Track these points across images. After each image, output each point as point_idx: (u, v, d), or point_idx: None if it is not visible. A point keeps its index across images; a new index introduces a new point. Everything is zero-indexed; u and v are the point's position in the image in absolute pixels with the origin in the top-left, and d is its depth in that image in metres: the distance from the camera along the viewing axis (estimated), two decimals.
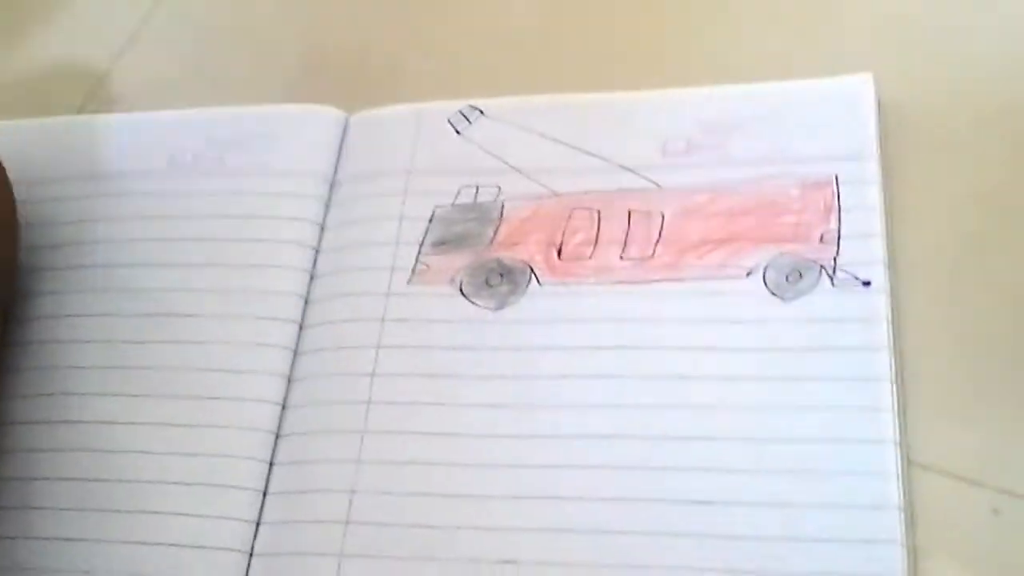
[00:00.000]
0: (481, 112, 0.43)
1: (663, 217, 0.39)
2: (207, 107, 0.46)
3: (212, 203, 0.43)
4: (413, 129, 0.43)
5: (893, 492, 0.32)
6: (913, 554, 0.32)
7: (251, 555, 0.36)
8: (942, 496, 0.33)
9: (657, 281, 0.37)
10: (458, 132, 0.43)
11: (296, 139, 0.44)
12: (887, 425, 0.33)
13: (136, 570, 0.36)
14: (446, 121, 0.43)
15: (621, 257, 0.38)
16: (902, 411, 0.34)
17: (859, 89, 0.39)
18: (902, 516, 0.32)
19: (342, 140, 0.44)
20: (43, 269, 0.42)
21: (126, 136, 0.46)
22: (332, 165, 0.43)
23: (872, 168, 0.38)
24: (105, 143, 0.45)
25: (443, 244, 0.40)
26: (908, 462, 0.33)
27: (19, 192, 0.42)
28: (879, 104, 0.39)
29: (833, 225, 0.37)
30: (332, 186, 0.43)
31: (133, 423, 0.38)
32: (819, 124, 0.39)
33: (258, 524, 0.36)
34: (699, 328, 0.36)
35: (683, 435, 0.35)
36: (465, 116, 0.43)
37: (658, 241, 0.38)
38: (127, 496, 0.37)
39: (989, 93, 0.39)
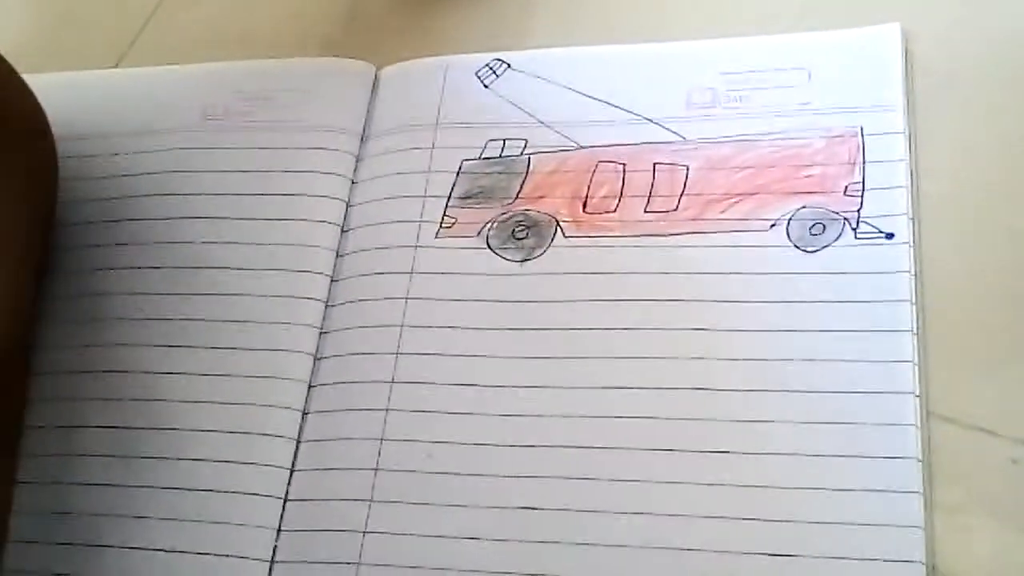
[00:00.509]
0: (508, 65, 0.43)
1: (687, 170, 0.39)
2: (238, 61, 0.47)
3: (245, 157, 0.43)
4: (440, 82, 0.43)
5: (912, 443, 0.33)
6: (931, 504, 0.32)
7: (286, 500, 0.37)
8: (961, 447, 0.33)
9: (681, 234, 0.38)
10: (485, 86, 0.43)
11: (327, 93, 0.44)
12: (908, 377, 0.34)
13: (175, 514, 0.37)
14: (473, 74, 0.43)
15: (646, 210, 0.39)
16: (923, 363, 0.34)
17: (886, 40, 0.39)
18: (921, 467, 0.32)
19: (372, 94, 0.45)
20: (82, 223, 0.44)
21: (159, 90, 0.46)
22: (362, 119, 0.44)
23: (898, 120, 0.37)
24: (138, 97, 0.46)
25: (470, 197, 0.41)
26: (928, 413, 0.34)
27: (59, 147, 0.43)
28: (906, 55, 0.39)
29: (857, 178, 0.37)
30: (363, 140, 0.44)
31: (171, 372, 0.40)
32: (845, 76, 0.39)
33: (292, 471, 0.38)
34: (723, 280, 0.37)
35: (707, 386, 0.35)
36: (492, 69, 0.43)
37: (682, 194, 0.39)
38: (167, 443, 0.38)
39: (1017, 45, 0.39)
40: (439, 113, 0.43)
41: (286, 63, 0.46)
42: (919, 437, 0.33)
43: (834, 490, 0.33)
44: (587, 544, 0.34)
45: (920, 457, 0.33)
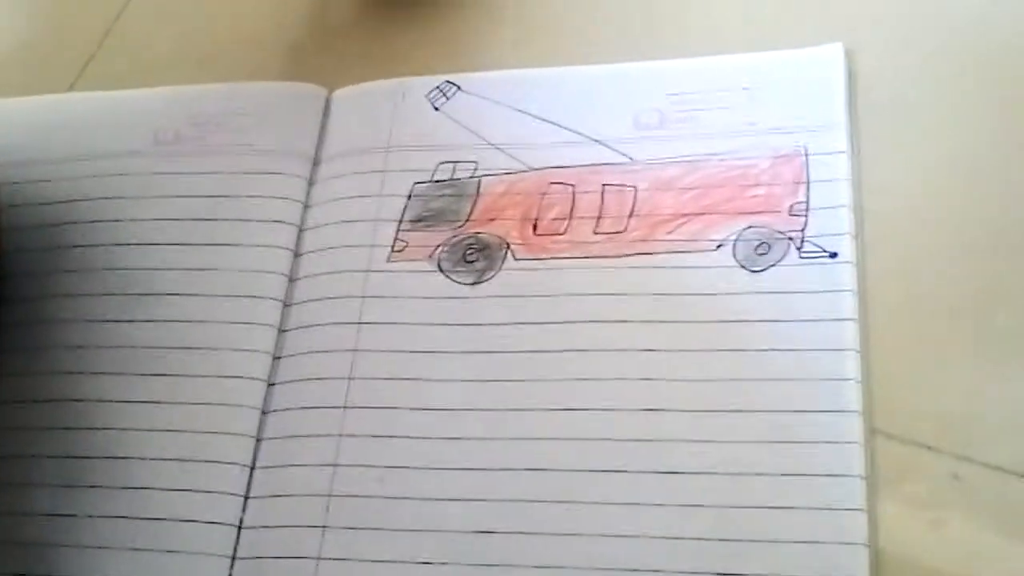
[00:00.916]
0: (458, 87, 0.43)
1: (636, 191, 0.39)
2: (190, 85, 0.47)
3: (196, 183, 0.43)
4: (391, 105, 0.44)
5: (856, 460, 0.33)
6: (875, 521, 0.33)
7: (240, 527, 0.37)
8: (904, 463, 0.34)
9: (630, 255, 0.38)
10: (436, 108, 0.43)
11: (278, 117, 0.45)
12: (851, 395, 0.34)
13: (127, 544, 0.37)
14: (423, 97, 0.43)
15: (595, 232, 0.39)
16: (866, 380, 0.35)
17: (829, 59, 0.40)
18: (865, 484, 0.33)
19: (324, 117, 0.45)
20: (31, 250, 0.43)
21: (110, 114, 0.46)
22: (314, 143, 0.44)
23: (841, 139, 0.38)
24: (89, 122, 0.46)
25: (421, 221, 0.41)
26: (871, 430, 0.34)
27: (5, 173, 0.43)
28: (849, 74, 0.39)
29: (802, 197, 0.37)
30: (315, 164, 0.44)
31: (122, 401, 0.40)
32: (789, 95, 0.39)
33: (246, 498, 0.38)
34: (670, 301, 0.37)
35: (654, 407, 0.35)
36: (443, 92, 0.43)
37: (631, 215, 0.39)
38: (117, 473, 0.38)
39: (959, 63, 0.39)
40: (390, 136, 0.43)
41: (237, 87, 0.46)
42: (863, 454, 0.33)
43: (779, 508, 0.33)
44: (540, 567, 0.34)
45: (864, 474, 0.33)
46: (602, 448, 0.35)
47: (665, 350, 0.36)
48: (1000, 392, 0.34)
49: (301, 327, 0.40)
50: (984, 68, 0.39)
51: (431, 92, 0.43)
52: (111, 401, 0.40)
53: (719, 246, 0.37)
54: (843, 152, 0.38)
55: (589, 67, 0.42)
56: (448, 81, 0.43)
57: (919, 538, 0.33)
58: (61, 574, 0.37)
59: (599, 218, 0.39)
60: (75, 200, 0.44)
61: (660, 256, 0.38)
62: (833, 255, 0.36)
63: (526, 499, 0.35)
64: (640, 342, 0.37)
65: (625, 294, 0.38)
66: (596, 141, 0.41)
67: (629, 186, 0.40)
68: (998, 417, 0.34)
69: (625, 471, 0.35)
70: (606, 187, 0.40)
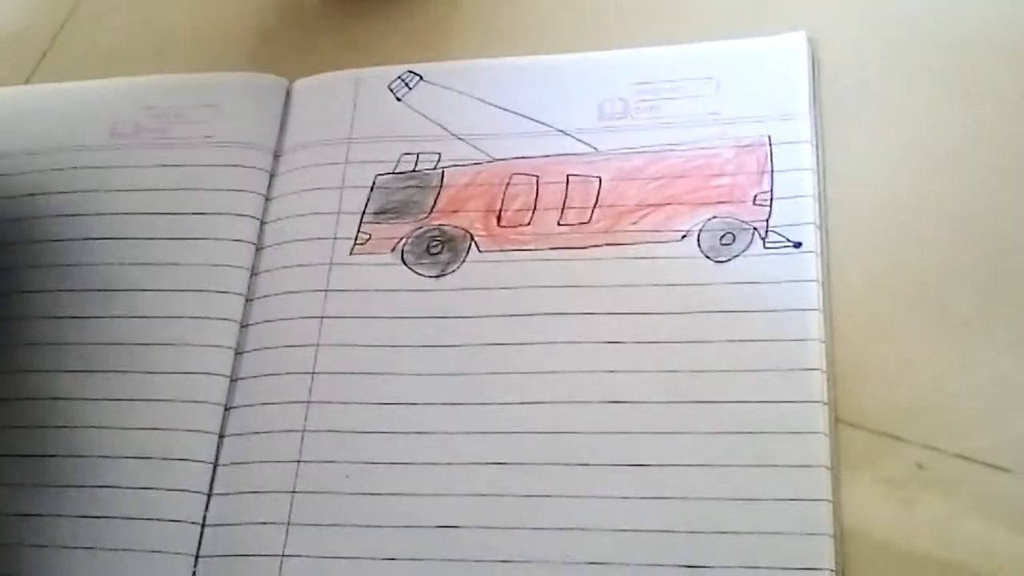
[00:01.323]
0: (420, 77, 0.43)
1: (600, 181, 0.39)
2: (148, 76, 0.46)
3: (155, 175, 0.43)
4: (353, 96, 0.43)
5: (821, 451, 0.33)
6: (840, 511, 0.33)
7: (203, 526, 0.37)
8: (868, 452, 0.34)
9: (594, 247, 0.38)
10: (398, 99, 0.43)
11: (239, 109, 0.44)
12: (816, 385, 0.34)
13: (90, 543, 0.37)
14: (386, 87, 0.43)
15: (559, 223, 0.39)
16: (831, 370, 0.35)
17: (792, 48, 0.39)
18: (830, 474, 0.33)
19: (285, 108, 0.44)
20: None
21: (66, 107, 0.46)
22: (275, 135, 0.43)
23: (805, 129, 0.38)
24: (45, 115, 0.45)
25: (384, 213, 0.40)
26: (836, 420, 0.34)
27: None
28: (813, 63, 0.39)
29: (766, 187, 0.37)
30: (276, 156, 0.43)
31: (84, 398, 0.39)
32: (753, 84, 0.39)
33: (209, 496, 0.37)
34: (635, 292, 0.37)
35: (619, 399, 0.35)
36: (405, 82, 0.43)
37: (595, 206, 0.39)
38: (80, 470, 0.38)
39: (923, 52, 0.39)
40: (352, 127, 0.43)
41: (196, 78, 0.45)
42: (828, 444, 0.33)
43: (744, 499, 0.33)
44: (505, 561, 0.34)
45: (829, 465, 0.33)
46: (566, 441, 0.35)
47: (630, 342, 0.36)
48: (964, 381, 0.34)
49: (263, 321, 0.40)
50: (948, 57, 0.39)
51: (393, 82, 0.43)
52: (71, 399, 0.39)
53: (684, 236, 0.37)
54: (807, 142, 0.38)
55: (553, 56, 0.42)
56: (410, 71, 0.43)
57: (884, 527, 0.33)
58: (22, 574, 0.37)
59: (563, 209, 0.39)
60: (32, 195, 0.43)
61: (625, 247, 0.38)
62: (797, 245, 0.36)
63: (492, 493, 0.35)
64: (605, 334, 0.36)
65: (590, 286, 0.37)
66: (560, 131, 0.40)
67: (593, 176, 0.39)
68: (962, 406, 0.34)
69: (590, 464, 0.35)
70: (571, 177, 0.39)
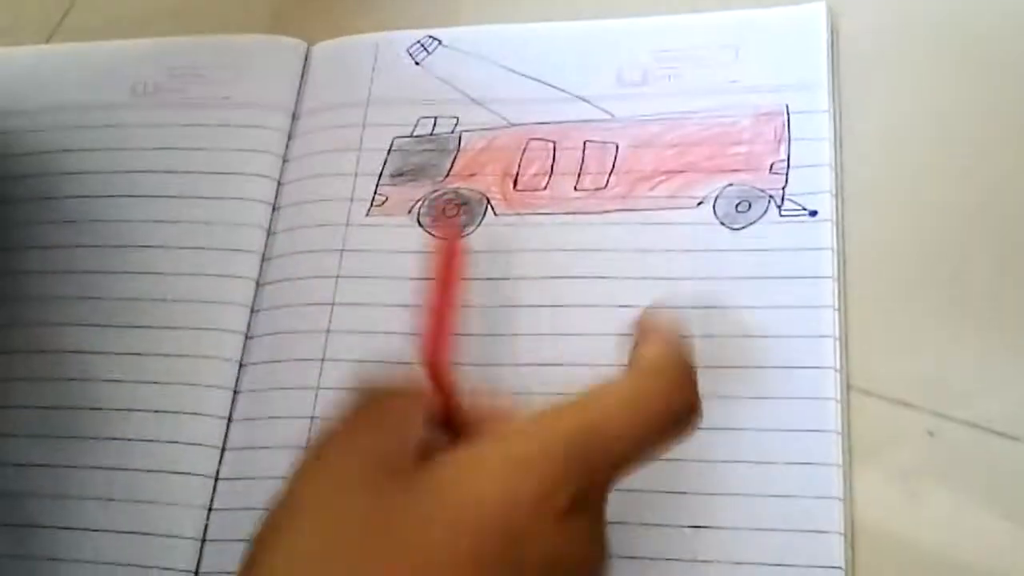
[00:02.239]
0: (439, 42, 0.43)
1: (617, 148, 0.39)
2: (170, 37, 0.46)
3: (174, 135, 0.43)
4: (372, 60, 0.43)
5: (833, 416, 0.33)
6: (851, 475, 0.33)
7: (217, 479, 0.37)
8: (880, 419, 0.34)
9: (610, 212, 0.38)
10: (417, 63, 0.43)
11: (258, 70, 0.44)
12: (829, 352, 0.34)
13: (106, 494, 0.37)
14: (404, 51, 0.43)
15: (575, 188, 0.39)
16: (844, 337, 0.35)
17: (812, 18, 0.39)
18: (840, 440, 0.33)
19: (303, 71, 0.44)
20: (11, 201, 0.43)
21: (87, 66, 0.46)
22: (293, 96, 0.44)
23: (822, 98, 0.38)
24: (66, 74, 0.46)
25: (401, 175, 0.41)
26: (848, 387, 0.34)
27: None
28: (832, 33, 0.39)
29: (783, 155, 0.37)
30: (294, 118, 0.43)
31: (102, 352, 0.39)
32: (772, 53, 0.39)
33: (223, 450, 0.37)
34: (650, 258, 0.37)
35: None
36: (424, 47, 0.43)
37: (612, 172, 0.39)
38: (97, 423, 0.38)
39: (941, 24, 0.39)
40: (370, 90, 0.43)
41: (217, 39, 0.45)
42: (839, 411, 0.33)
43: (756, 463, 0.33)
44: None
45: (840, 430, 0.33)
46: None
47: (643, 307, 0.36)
48: (977, 350, 0.34)
49: (279, 280, 0.40)
50: (964, 28, 0.39)
51: (412, 46, 0.43)
52: (88, 352, 0.39)
53: (700, 203, 0.37)
54: (825, 111, 0.38)
55: (573, 23, 0.42)
56: (430, 36, 0.43)
57: (894, 490, 0.33)
58: (37, 523, 0.37)
59: (580, 174, 0.39)
60: (52, 151, 0.44)
61: (641, 213, 0.38)
62: (813, 213, 0.36)
63: None
64: (619, 298, 0.37)
65: (605, 250, 0.37)
66: (578, 98, 0.41)
67: (610, 143, 0.39)
68: (974, 375, 0.34)
69: None
70: (587, 143, 0.40)
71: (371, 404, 0.28)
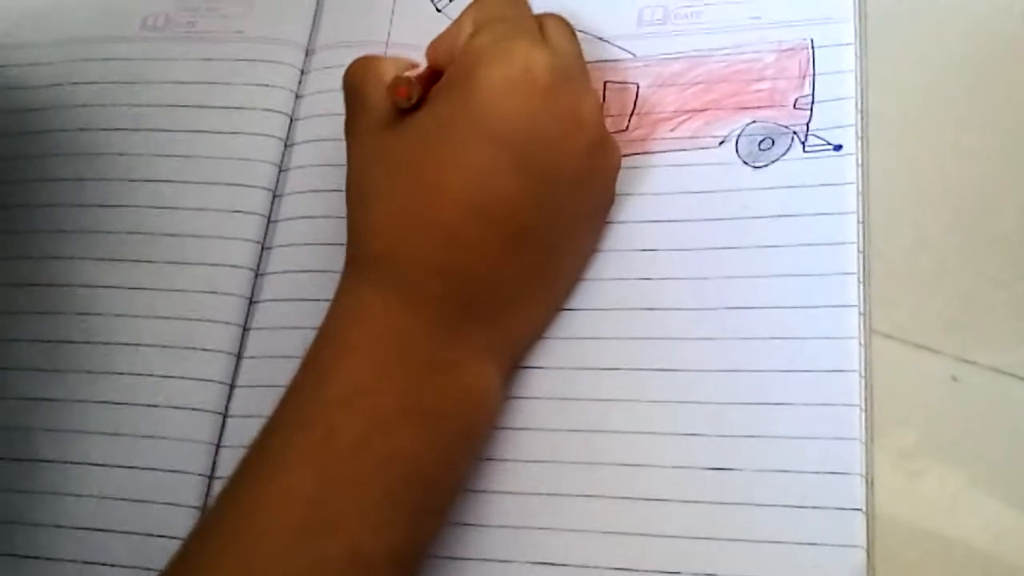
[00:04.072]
0: None
1: (638, 88, 0.38)
2: None
3: (185, 69, 0.42)
4: (391, 1, 0.42)
5: (855, 357, 0.33)
6: (872, 419, 0.32)
7: (225, 416, 0.37)
8: (902, 364, 0.33)
9: (632, 155, 0.37)
10: (438, 9, 0.42)
11: (270, 4, 0.43)
12: (852, 290, 0.33)
13: (112, 429, 0.37)
14: None
15: None
16: (867, 279, 0.34)
17: None
18: (862, 381, 0.32)
19: (318, 6, 0.43)
20: (20, 133, 0.42)
21: (97, 0, 0.45)
22: (307, 32, 0.43)
23: (847, 31, 0.37)
24: (76, 6, 0.45)
25: None
26: (870, 329, 0.33)
27: None
28: None
29: (807, 91, 0.36)
30: (308, 54, 0.43)
31: (108, 286, 0.39)
32: None
33: (232, 387, 0.37)
34: (672, 200, 0.36)
35: (653, 306, 0.35)
36: None
37: (633, 113, 0.38)
38: (104, 358, 0.38)
39: None
40: (389, 33, 0.42)
41: None
42: (861, 352, 0.33)
43: (777, 404, 0.33)
44: (527, 460, 0.34)
45: (862, 372, 0.33)
46: (601, 347, 0.35)
47: (666, 249, 0.36)
48: (1002, 295, 0.34)
49: (291, 218, 0.39)
50: None
51: None
52: (95, 286, 0.39)
53: (722, 142, 0.37)
54: (850, 44, 0.37)
55: None
56: None
57: (914, 439, 0.32)
58: (43, 458, 0.37)
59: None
60: (62, 84, 0.43)
61: (662, 155, 0.37)
62: (838, 148, 0.35)
63: (520, 396, 0.35)
64: (640, 242, 0.36)
65: (627, 194, 0.37)
66: (599, 38, 0.40)
67: (631, 83, 0.39)
68: (999, 320, 0.33)
69: (622, 368, 0.34)
70: (608, 84, 0.39)
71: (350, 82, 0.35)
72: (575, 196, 0.34)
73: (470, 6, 0.36)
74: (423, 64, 0.35)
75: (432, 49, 0.36)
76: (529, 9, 0.36)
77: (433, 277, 0.32)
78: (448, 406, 0.32)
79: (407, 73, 0.34)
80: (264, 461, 0.31)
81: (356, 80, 0.36)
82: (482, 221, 0.32)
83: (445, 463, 0.32)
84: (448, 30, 0.36)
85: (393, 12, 0.43)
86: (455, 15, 0.41)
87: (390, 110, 0.34)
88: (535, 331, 0.35)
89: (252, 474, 0.31)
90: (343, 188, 0.39)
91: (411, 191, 0.33)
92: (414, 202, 0.33)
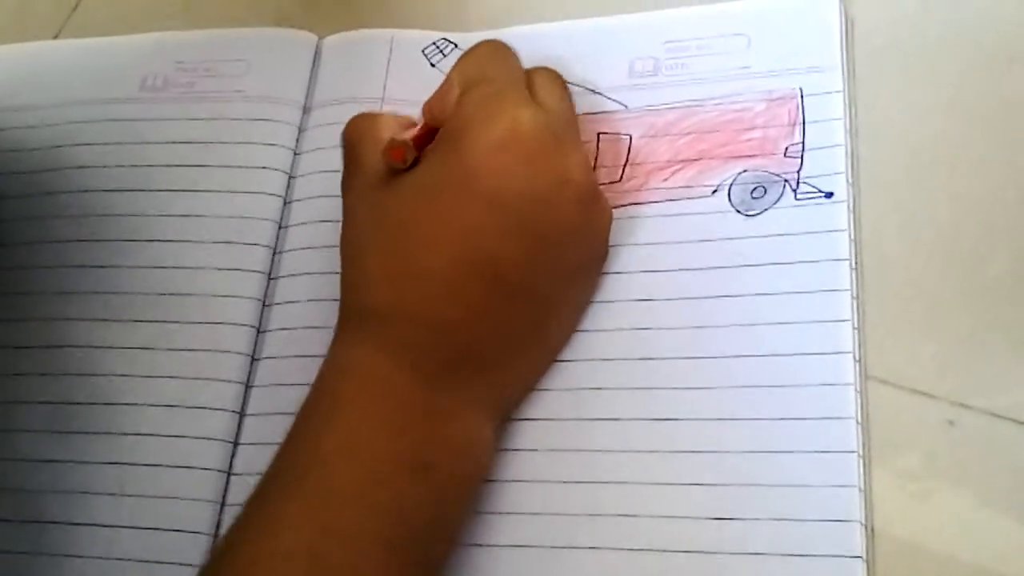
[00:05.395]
0: (455, 45, 0.43)
1: (631, 139, 0.39)
2: (177, 31, 0.46)
3: (184, 128, 0.43)
4: (386, 57, 0.43)
5: (851, 404, 0.33)
6: (869, 464, 0.33)
7: (229, 474, 0.37)
8: (898, 408, 0.33)
9: (626, 205, 0.38)
10: (432, 64, 0.43)
11: (268, 63, 0.44)
12: (847, 337, 0.34)
13: (118, 489, 0.37)
14: (419, 52, 0.43)
15: None
16: (861, 325, 0.34)
17: (825, 4, 0.39)
18: (859, 428, 0.33)
19: (314, 64, 0.44)
20: (21, 196, 0.43)
21: (97, 61, 0.46)
22: (304, 90, 0.43)
23: (835, 79, 0.37)
24: (76, 68, 0.45)
25: None
26: (865, 375, 0.34)
27: None
28: (845, 17, 0.39)
29: (797, 139, 0.37)
30: (305, 111, 0.43)
31: (112, 347, 0.39)
32: (784, 39, 0.39)
33: (236, 444, 0.37)
34: (666, 249, 0.37)
35: (650, 356, 0.35)
36: (439, 48, 0.43)
37: (626, 163, 0.38)
38: (108, 418, 0.38)
39: (956, 8, 0.39)
40: (385, 88, 0.43)
41: (226, 33, 0.45)
42: (857, 398, 0.33)
43: (773, 452, 0.33)
44: (521, 513, 0.34)
45: (858, 419, 0.33)
46: (596, 397, 0.35)
47: (661, 299, 0.36)
48: (996, 338, 0.34)
49: (292, 275, 0.40)
50: (980, 14, 0.39)
51: (428, 48, 0.43)
52: (98, 347, 0.39)
53: (714, 191, 0.37)
54: (839, 92, 0.37)
55: (585, 20, 0.42)
56: (445, 39, 0.43)
57: (912, 483, 0.32)
58: (48, 519, 0.37)
59: (595, 168, 0.39)
60: (63, 146, 0.43)
61: (656, 205, 0.37)
62: (829, 195, 0.36)
63: (517, 448, 0.35)
64: (635, 292, 0.36)
65: (622, 244, 0.37)
66: (590, 91, 0.40)
67: (624, 134, 0.39)
68: (994, 363, 0.33)
69: (617, 419, 0.35)
70: (601, 136, 0.39)
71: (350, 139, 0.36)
72: (567, 251, 0.35)
73: (456, 65, 0.37)
74: (420, 120, 0.36)
75: (427, 108, 0.36)
76: (518, 63, 0.37)
77: (425, 330, 0.33)
78: (442, 456, 0.32)
79: (403, 135, 0.34)
80: (263, 515, 0.31)
81: (353, 139, 0.36)
82: (474, 277, 0.33)
83: (441, 514, 0.32)
84: (439, 89, 0.36)
85: (388, 68, 0.43)
86: (448, 71, 0.42)
87: (385, 169, 0.35)
88: (529, 383, 0.36)
89: (251, 529, 0.31)
90: None
91: (404, 247, 0.33)
92: (406, 257, 0.33)
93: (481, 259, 0.33)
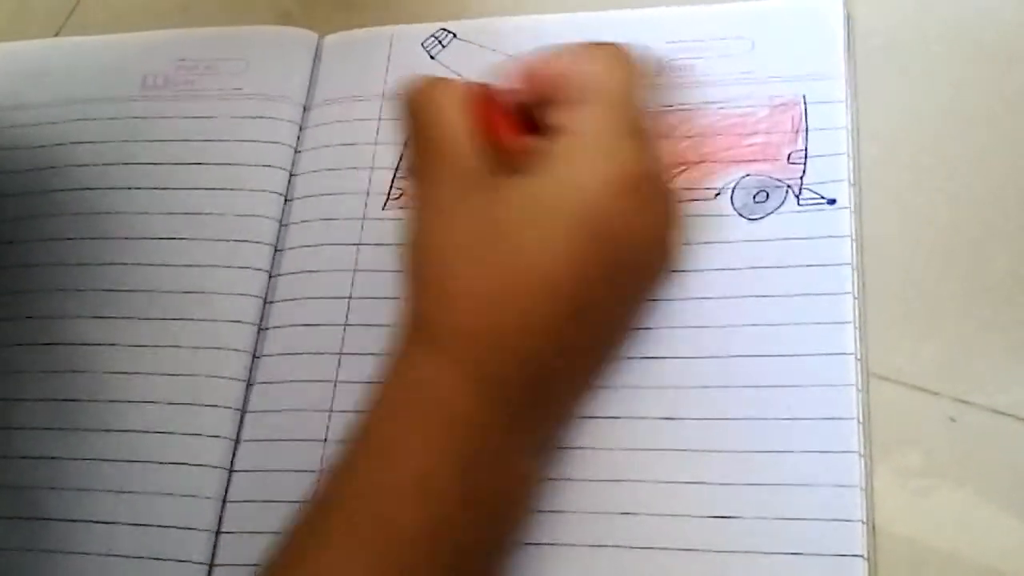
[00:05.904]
0: (454, 35, 0.43)
1: None
2: (178, 28, 0.46)
3: (185, 127, 0.43)
4: (386, 52, 0.43)
5: (853, 404, 0.33)
6: (871, 463, 0.33)
7: (231, 471, 0.37)
8: (900, 406, 0.34)
9: None
10: (432, 56, 0.43)
11: (269, 62, 0.44)
12: (848, 338, 0.34)
13: (119, 487, 0.37)
14: (419, 45, 0.43)
15: None
16: (863, 325, 0.35)
17: (828, 8, 0.39)
18: (861, 427, 0.33)
19: (315, 62, 0.44)
20: (21, 194, 0.43)
21: (97, 59, 0.46)
22: (305, 88, 0.43)
23: (839, 87, 0.38)
24: (76, 67, 0.45)
25: None
26: (868, 373, 0.34)
27: None
28: (847, 22, 0.39)
29: (800, 145, 0.37)
30: (306, 109, 0.43)
31: (113, 344, 0.39)
32: (788, 44, 0.39)
33: (237, 441, 0.37)
34: None
35: (653, 355, 0.35)
36: (438, 40, 0.43)
37: None
38: (108, 415, 0.38)
39: (957, 11, 0.39)
40: (385, 84, 0.43)
41: (227, 31, 0.45)
42: (859, 398, 0.33)
43: (775, 452, 0.33)
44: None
45: (860, 418, 0.33)
46: (601, 396, 0.35)
47: (664, 299, 0.36)
48: (997, 337, 0.34)
49: (294, 272, 0.40)
50: (980, 14, 0.39)
51: (427, 40, 0.43)
52: (99, 344, 0.39)
53: (717, 194, 0.37)
54: (841, 101, 0.38)
55: (587, 14, 0.42)
56: (443, 29, 0.43)
57: (914, 481, 0.33)
58: (49, 517, 0.37)
59: None
60: (63, 144, 0.43)
61: None
62: (832, 201, 0.36)
63: None
64: None
65: None
66: None
67: None
68: (995, 361, 0.34)
69: (622, 417, 0.35)
70: None
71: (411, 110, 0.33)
72: (645, 293, 0.35)
73: (576, 51, 0.35)
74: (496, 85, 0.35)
75: (532, 76, 0.34)
76: (639, 75, 0.35)
77: (516, 365, 0.31)
78: (502, 496, 0.31)
79: (512, 140, 0.33)
80: (317, 542, 0.29)
81: (429, 116, 0.33)
82: (574, 318, 0.31)
83: (495, 553, 0.31)
84: (562, 63, 0.34)
85: (388, 63, 0.43)
86: (449, 62, 0.42)
87: (478, 162, 0.32)
88: (574, 415, 0.35)
89: (301, 552, 0.30)
90: (343, 242, 0.40)
91: (511, 267, 0.31)
92: (514, 279, 0.31)
93: (584, 300, 0.31)
